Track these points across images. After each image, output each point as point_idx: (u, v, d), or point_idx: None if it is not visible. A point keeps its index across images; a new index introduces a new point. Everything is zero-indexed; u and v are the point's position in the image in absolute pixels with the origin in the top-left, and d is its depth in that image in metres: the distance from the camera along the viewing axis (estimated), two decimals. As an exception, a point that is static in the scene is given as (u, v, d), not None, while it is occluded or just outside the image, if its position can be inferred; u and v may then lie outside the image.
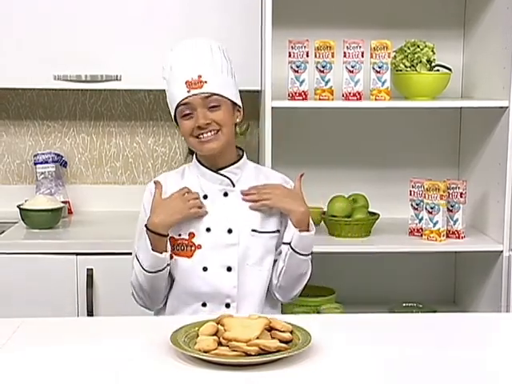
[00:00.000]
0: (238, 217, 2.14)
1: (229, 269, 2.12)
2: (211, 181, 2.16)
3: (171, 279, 2.16)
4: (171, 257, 2.13)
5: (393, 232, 2.91)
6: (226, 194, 2.16)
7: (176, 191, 2.12)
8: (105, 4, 2.87)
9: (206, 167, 2.17)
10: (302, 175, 2.19)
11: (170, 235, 2.12)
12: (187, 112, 2.10)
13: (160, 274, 2.09)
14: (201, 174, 2.18)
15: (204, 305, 2.14)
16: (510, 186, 2.71)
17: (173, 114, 2.17)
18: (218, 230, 2.13)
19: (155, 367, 1.63)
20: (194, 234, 2.13)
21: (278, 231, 2.18)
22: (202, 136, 2.09)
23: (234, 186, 2.16)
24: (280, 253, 2.18)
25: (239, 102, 2.17)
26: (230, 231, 2.13)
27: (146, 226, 2.09)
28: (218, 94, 2.09)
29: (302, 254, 2.13)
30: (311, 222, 2.16)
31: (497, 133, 2.80)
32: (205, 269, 2.12)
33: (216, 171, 2.16)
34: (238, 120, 2.18)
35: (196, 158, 2.21)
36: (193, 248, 2.12)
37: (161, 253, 2.07)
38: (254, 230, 2.14)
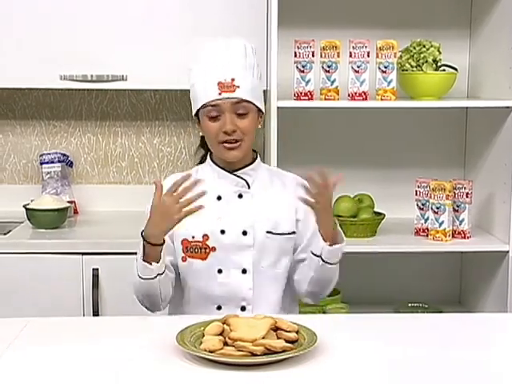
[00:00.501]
0: (253, 218, 2.10)
1: (244, 271, 2.09)
2: (226, 182, 2.13)
3: (185, 284, 2.12)
4: (184, 259, 2.10)
5: (398, 232, 2.91)
6: (240, 196, 2.13)
7: (165, 193, 1.96)
8: (111, 4, 2.88)
9: (221, 167, 2.14)
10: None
11: (184, 237, 2.09)
12: (214, 114, 2.06)
13: (151, 281, 2.00)
14: (215, 174, 2.14)
15: (219, 308, 2.10)
16: (516, 186, 2.71)
17: (195, 110, 2.12)
18: (233, 232, 2.09)
19: (161, 367, 1.63)
20: (208, 237, 2.09)
21: (294, 232, 2.14)
22: (226, 142, 2.06)
23: (249, 187, 2.13)
24: (303, 260, 2.13)
25: (263, 108, 2.14)
26: (244, 233, 2.10)
27: (141, 233, 2.01)
28: (247, 101, 2.06)
29: (333, 263, 2.06)
30: (340, 230, 2.08)
31: (503, 133, 2.80)
32: (219, 271, 2.09)
33: (231, 172, 2.13)
34: (259, 126, 2.14)
35: (210, 157, 2.17)
36: (207, 250, 2.09)
37: (150, 263, 1.97)
38: (269, 232, 2.11)
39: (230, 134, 2.05)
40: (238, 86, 2.03)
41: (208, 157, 2.18)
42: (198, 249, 2.09)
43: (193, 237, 2.09)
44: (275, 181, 2.18)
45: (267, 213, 2.12)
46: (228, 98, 2.04)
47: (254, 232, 2.10)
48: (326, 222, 2.01)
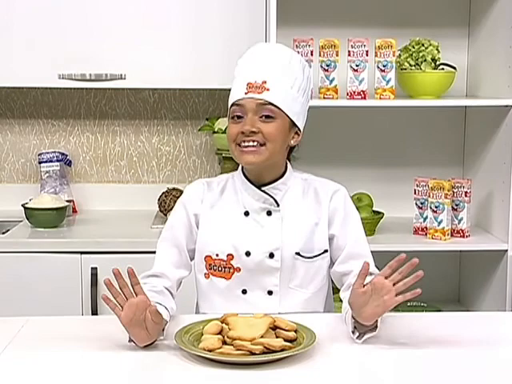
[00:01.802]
0: (281, 239, 1.96)
1: (270, 292, 1.97)
2: (254, 198, 1.98)
3: (207, 298, 2.01)
4: (207, 276, 1.99)
5: (397, 231, 2.91)
6: (269, 213, 1.97)
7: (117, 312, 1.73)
8: (109, 3, 2.87)
9: (250, 180, 1.99)
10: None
11: (207, 254, 1.98)
12: (237, 114, 1.91)
13: None
14: (244, 187, 1.99)
15: None
16: (515, 185, 2.71)
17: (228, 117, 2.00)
18: (259, 254, 1.95)
19: (160, 366, 1.63)
20: (232, 256, 1.96)
21: (326, 251, 1.99)
22: (243, 144, 1.90)
23: (278, 205, 1.98)
24: (345, 273, 1.97)
25: (300, 125, 1.96)
26: (271, 255, 1.95)
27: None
28: (275, 105, 1.89)
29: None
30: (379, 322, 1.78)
31: (502, 132, 2.80)
32: (244, 291, 1.98)
33: (260, 187, 1.98)
34: (292, 142, 1.96)
35: (242, 168, 2.02)
36: (231, 270, 1.96)
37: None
38: (297, 254, 1.96)
39: (249, 136, 1.89)
40: (268, 89, 1.88)
41: (240, 167, 2.02)
42: (222, 268, 1.97)
43: (217, 255, 1.97)
44: (308, 192, 2.02)
45: (297, 232, 1.97)
46: (253, 97, 1.89)
47: (282, 254, 1.95)
48: (370, 315, 1.73)
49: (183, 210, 2.01)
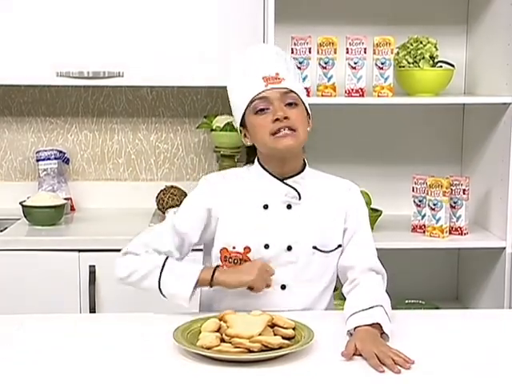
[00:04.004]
0: (300, 232, 1.98)
1: (283, 287, 1.98)
2: (275, 190, 1.99)
3: (220, 292, 1.98)
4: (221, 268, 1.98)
5: (395, 228, 2.91)
6: (289, 207, 1.99)
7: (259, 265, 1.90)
8: (107, 1, 2.87)
9: (271, 174, 2.00)
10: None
11: (223, 246, 1.98)
12: (262, 107, 1.93)
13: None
14: (264, 180, 2.00)
15: None
16: (513, 183, 2.71)
17: (240, 117, 2.00)
18: (277, 246, 1.97)
19: (158, 364, 1.63)
20: (249, 249, 1.96)
21: (340, 246, 2.02)
22: (279, 132, 1.92)
23: (300, 198, 1.99)
24: (349, 268, 2.01)
25: (309, 109, 2.03)
26: (289, 248, 1.97)
27: (212, 276, 1.91)
28: (295, 93, 1.96)
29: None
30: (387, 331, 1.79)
31: (500, 129, 2.80)
32: None
33: (281, 180, 1.99)
34: (308, 128, 2.01)
35: (259, 162, 2.02)
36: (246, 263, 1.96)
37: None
38: (314, 247, 1.98)
39: (283, 121, 1.91)
40: (284, 79, 1.95)
41: (256, 160, 2.04)
42: (238, 260, 1.97)
43: (233, 247, 1.97)
44: (324, 188, 2.05)
45: (315, 226, 1.99)
46: (275, 87, 1.93)
47: (300, 247, 1.97)
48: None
49: (196, 203, 2.02)
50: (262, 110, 1.94)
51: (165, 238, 1.99)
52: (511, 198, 2.71)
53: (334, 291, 2.09)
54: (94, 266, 2.68)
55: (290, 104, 1.95)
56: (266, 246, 1.97)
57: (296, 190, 1.99)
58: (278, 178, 1.99)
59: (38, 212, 2.86)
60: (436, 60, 2.84)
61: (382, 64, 2.75)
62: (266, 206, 1.99)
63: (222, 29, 2.88)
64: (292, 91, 1.95)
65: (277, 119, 1.91)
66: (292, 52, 2.71)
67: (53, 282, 2.67)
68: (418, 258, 3.14)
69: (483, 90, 2.96)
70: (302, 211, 1.99)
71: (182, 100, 3.25)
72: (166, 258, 1.95)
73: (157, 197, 3.04)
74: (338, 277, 2.06)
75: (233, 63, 2.04)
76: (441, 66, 2.87)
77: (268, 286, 1.93)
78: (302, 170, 2.03)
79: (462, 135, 3.18)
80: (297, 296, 1.99)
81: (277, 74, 1.95)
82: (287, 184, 1.99)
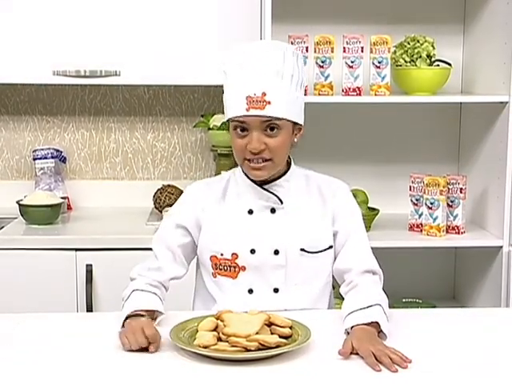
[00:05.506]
0: (286, 236, 1.96)
1: (276, 290, 1.97)
2: (257, 196, 1.97)
3: (214, 299, 2.00)
4: (215, 276, 1.99)
5: (392, 227, 2.91)
6: (273, 211, 1.97)
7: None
8: (104, 0, 2.87)
9: (252, 180, 1.97)
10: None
11: (212, 254, 1.98)
12: (241, 131, 1.89)
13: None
14: (246, 186, 1.99)
15: None
16: (510, 182, 2.71)
17: (226, 119, 1.96)
18: (264, 251, 1.95)
19: (155, 362, 1.63)
20: (237, 255, 1.95)
21: (331, 247, 1.99)
22: (251, 161, 1.89)
23: (282, 202, 1.97)
24: (345, 271, 1.98)
25: (301, 121, 1.95)
26: (276, 252, 1.95)
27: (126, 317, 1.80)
28: (280, 119, 1.87)
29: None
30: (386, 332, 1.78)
31: (497, 128, 2.80)
32: (250, 291, 1.97)
33: (262, 185, 1.97)
34: (295, 140, 1.95)
35: (242, 168, 2.00)
36: (236, 269, 1.96)
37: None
38: (302, 250, 1.96)
39: (257, 154, 1.87)
40: (269, 102, 1.83)
41: (240, 166, 2.00)
42: (228, 267, 1.97)
43: (221, 254, 1.97)
44: (312, 188, 2.02)
45: (301, 228, 1.97)
46: (256, 115, 1.85)
47: (287, 250, 1.95)
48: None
49: (182, 212, 2.01)
50: (241, 129, 1.89)
51: (158, 253, 1.99)
52: (508, 197, 2.72)
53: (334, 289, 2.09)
54: (90, 265, 2.68)
55: (271, 129, 1.88)
56: (253, 251, 1.95)
57: (276, 196, 1.97)
58: (258, 184, 1.97)
59: (34, 211, 2.85)
60: (433, 59, 2.84)
61: (379, 63, 2.75)
62: (250, 211, 1.98)
63: (219, 27, 2.87)
64: (276, 118, 1.86)
65: (250, 151, 1.87)
66: (289, 51, 2.71)
67: (50, 281, 2.67)
68: (415, 256, 3.14)
69: (480, 88, 2.96)
70: (287, 214, 1.97)
71: (178, 99, 3.25)
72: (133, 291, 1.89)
73: (154, 196, 3.04)
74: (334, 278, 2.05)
75: (230, 58, 1.94)
76: (438, 65, 2.87)
77: (146, 348, 1.69)
78: (287, 171, 2.00)
79: (459, 134, 3.18)
80: (292, 299, 1.97)
81: (263, 94, 1.84)
82: (267, 190, 1.97)
